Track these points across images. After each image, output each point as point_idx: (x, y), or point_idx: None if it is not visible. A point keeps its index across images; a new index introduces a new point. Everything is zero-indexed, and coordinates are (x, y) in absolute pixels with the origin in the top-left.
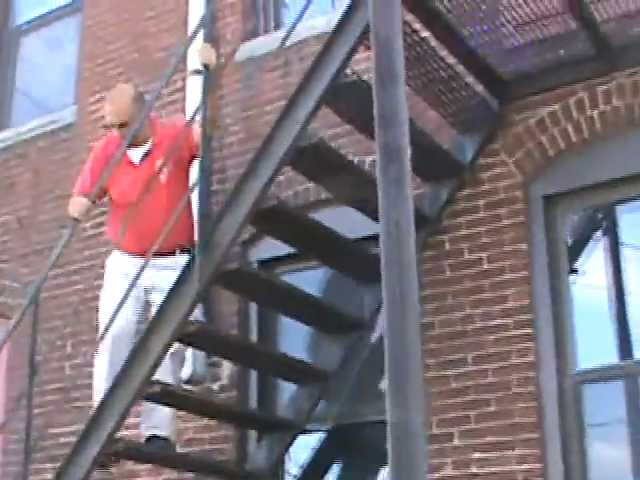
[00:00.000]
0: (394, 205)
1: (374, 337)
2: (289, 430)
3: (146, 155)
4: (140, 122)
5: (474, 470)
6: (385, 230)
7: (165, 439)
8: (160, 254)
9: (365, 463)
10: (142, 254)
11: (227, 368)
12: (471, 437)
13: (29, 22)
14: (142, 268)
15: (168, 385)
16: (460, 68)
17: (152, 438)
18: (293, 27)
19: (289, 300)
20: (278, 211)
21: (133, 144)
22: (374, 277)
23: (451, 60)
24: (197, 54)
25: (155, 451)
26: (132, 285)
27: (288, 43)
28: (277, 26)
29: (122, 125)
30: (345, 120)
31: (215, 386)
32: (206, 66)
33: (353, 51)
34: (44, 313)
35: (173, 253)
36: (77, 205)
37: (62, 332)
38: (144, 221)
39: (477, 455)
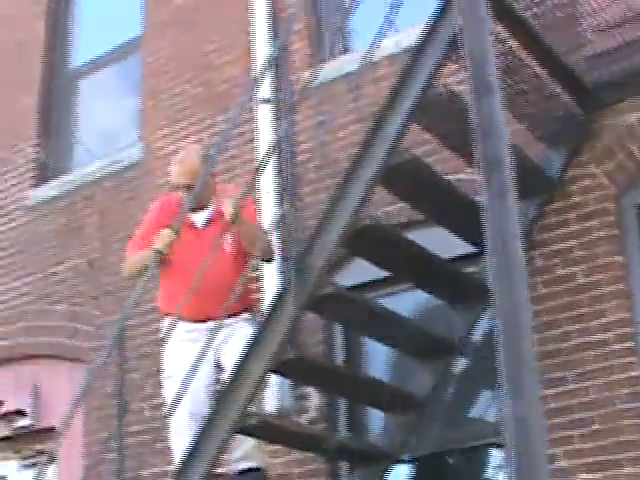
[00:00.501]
0: (498, 217)
1: (462, 363)
2: (383, 461)
3: (210, 220)
4: (201, 185)
5: None
6: (491, 242)
7: (259, 469)
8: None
9: None
10: (202, 320)
11: (315, 400)
12: (577, 457)
13: (88, 63)
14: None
15: (265, 416)
16: (545, 78)
17: (247, 471)
18: (376, 43)
19: (384, 324)
20: (372, 230)
21: (195, 208)
22: (466, 299)
23: (537, 69)
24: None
25: None
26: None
27: (357, 67)
28: (345, 51)
29: (189, 187)
30: (434, 135)
31: (303, 419)
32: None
33: (441, 64)
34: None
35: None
36: (164, 238)
37: (141, 372)
38: (206, 288)
39: (584, 476)
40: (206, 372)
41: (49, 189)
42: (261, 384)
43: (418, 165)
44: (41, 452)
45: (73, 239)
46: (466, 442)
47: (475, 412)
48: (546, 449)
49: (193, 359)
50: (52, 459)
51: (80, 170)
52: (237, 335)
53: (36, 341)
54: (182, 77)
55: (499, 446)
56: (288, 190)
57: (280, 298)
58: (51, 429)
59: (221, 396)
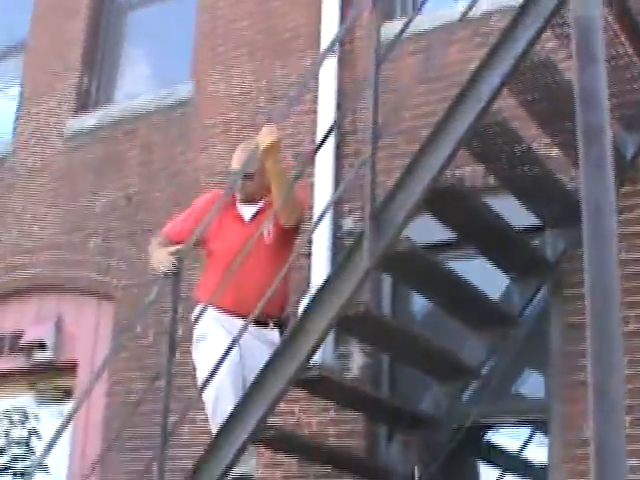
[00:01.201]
0: (595, 187)
1: (519, 335)
2: (426, 427)
3: (257, 213)
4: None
5: None
6: (586, 213)
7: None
8: (255, 321)
9: (499, 466)
10: (237, 314)
11: (358, 360)
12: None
13: None
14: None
15: (326, 369)
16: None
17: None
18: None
19: (449, 287)
20: (454, 192)
21: (246, 201)
22: (527, 272)
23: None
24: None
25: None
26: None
27: (429, 27)
28: (415, 9)
29: (247, 176)
30: (522, 102)
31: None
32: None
33: (541, 31)
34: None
35: (266, 324)
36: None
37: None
38: (243, 281)
39: None
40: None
41: (89, 119)
42: (324, 338)
43: (504, 128)
44: (59, 388)
45: (111, 172)
46: (512, 416)
47: (524, 387)
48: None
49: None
50: (69, 395)
51: (124, 103)
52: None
53: (64, 273)
54: (242, 21)
55: (544, 423)
56: (371, 137)
57: (351, 252)
58: (72, 364)
59: (284, 346)
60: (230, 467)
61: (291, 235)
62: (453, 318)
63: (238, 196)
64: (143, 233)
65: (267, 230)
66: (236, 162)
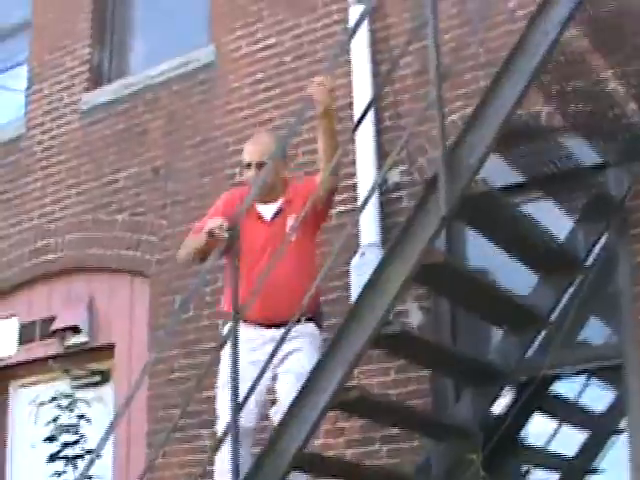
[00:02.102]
0: None
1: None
2: (496, 380)
3: (278, 213)
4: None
5: None
6: None
7: None
8: (283, 324)
9: (565, 417)
10: (264, 323)
11: (416, 316)
12: None
13: None
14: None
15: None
16: None
17: None
18: None
19: (520, 231)
20: (524, 132)
21: (264, 201)
22: (595, 211)
23: None
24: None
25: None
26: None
27: None
28: None
29: (260, 166)
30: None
31: None
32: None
33: None
34: None
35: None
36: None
37: None
38: (269, 285)
39: None
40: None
41: (104, 93)
42: (403, 291)
43: (572, 59)
44: (95, 372)
45: (134, 145)
46: (582, 365)
47: (594, 333)
48: None
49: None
50: (107, 378)
51: (141, 72)
52: (298, 355)
53: (92, 253)
54: None
55: (616, 369)
56: (436, 77)
57: (424, 201)
58: (108, 347)
59: (359, 300)
60: (311, 434)
61: (311, 235)
62: (521, 262)
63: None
64: (173, 205)
65: (291, 229)
66: (249, 153)
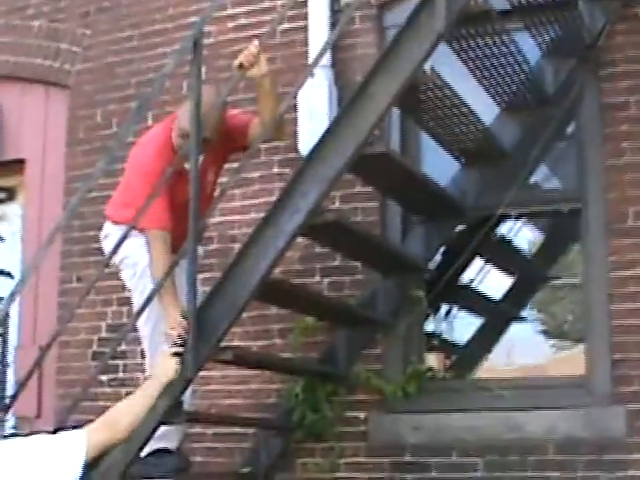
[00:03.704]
0: None
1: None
2: (451, 215)
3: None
4: None
5: None
6: None
7: (170, 451)
8: None
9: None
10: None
11: None
12: None
13: None
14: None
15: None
16: None
17: (157, 452)
18: None
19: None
20: None
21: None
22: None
23: None
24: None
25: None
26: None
27: None
28: None
29: (206, 141)
30: None
31: None
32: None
33: None
34: None
35: None
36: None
37: None
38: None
39: None
40: None
41: None
42: (389, 109)
43: None
44: (2, 188)
45: None
46: (541, 206)
47: (557, 174)
48: None
49: None
50: (13, 195)
51: None
52: None
53: (4, 59)
54: None
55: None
56: None
57: (418, 13)
58: (17, 162)
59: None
60: (276, 261)
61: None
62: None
63: (176, 149)
64: (98, 13)
65: (208, 181)
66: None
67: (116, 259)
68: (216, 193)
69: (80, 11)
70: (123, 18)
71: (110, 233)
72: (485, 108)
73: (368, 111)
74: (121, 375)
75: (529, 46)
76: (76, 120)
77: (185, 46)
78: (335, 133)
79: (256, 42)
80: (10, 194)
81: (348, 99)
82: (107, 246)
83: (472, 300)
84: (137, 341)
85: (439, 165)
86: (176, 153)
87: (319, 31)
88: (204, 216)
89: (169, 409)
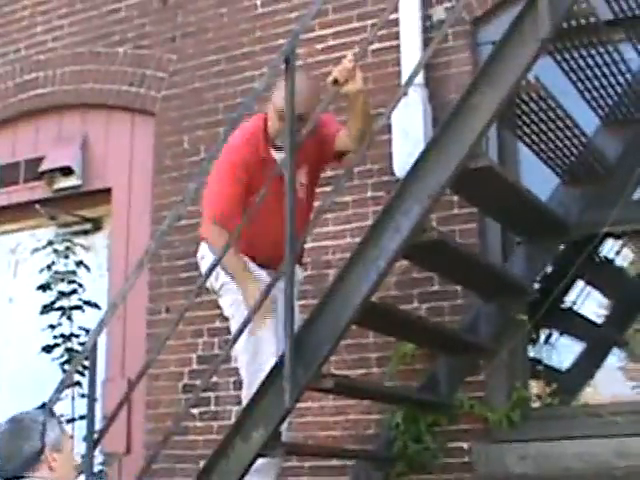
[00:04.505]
0: None
1: None
2: (555, 233)
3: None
4: None
5: None
6: None
7: None
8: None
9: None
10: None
11: None
12: None
13: None
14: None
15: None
16: None
17: None
18: None
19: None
20: None
21: (277, 146)
22: None
23: None
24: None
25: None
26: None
27: None
28: None
29: (301, 118)
30: None
31: None
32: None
33: None
34: None
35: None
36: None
37: None
38: (273, 233)
39: None
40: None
41: None
42: (494, 120)
43: None
44: (86, 219)
45: None
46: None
47: None
48: None
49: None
50: (99, 225)
51: None
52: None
53: (88, 88)
54: None
55: None
56: None
57: (520, 20)
58: (103, 192)
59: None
60: (380, 281)
61: (318, 179)
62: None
63: (272, 135)
64: (184, 37)
65: (300, 183)
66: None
67: (216, 285)
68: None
69: (165, 36)
70: (209, 42)
71: (205, 254)
72: (585, 123)
73: (472, 123)
74: (213, 408)
75: (631, 57)
76: (163, 147)
77: (276, 65)
78: (437, 147)
79: (350, 56)
80: (96, 224)
81: (450, 111)
82: (204, 268)
83: (574, 324)
84: (229, 373)
85: (537, 182)
86: (267, 142)
87: (411, 50)
88: (301, 234)
89: (267, 441)
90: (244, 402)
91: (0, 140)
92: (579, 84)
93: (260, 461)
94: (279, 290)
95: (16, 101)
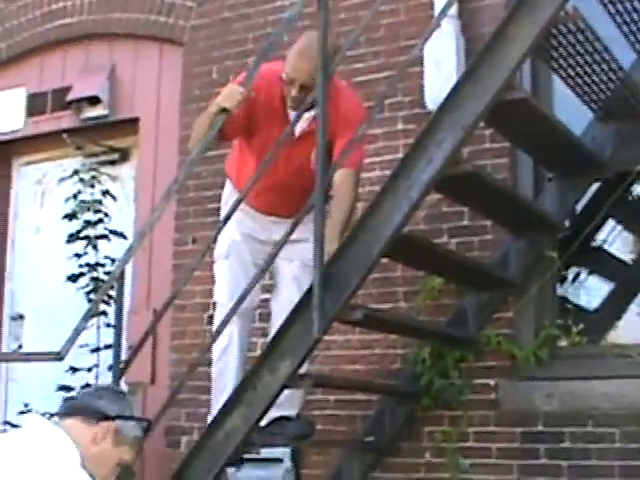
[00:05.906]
0: None
1: None
2: (588, 170)
3: (305, 131)
4: None
5: None
6: None
7: (289, 418)
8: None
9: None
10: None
11: None
12: None
13: None
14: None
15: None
16: None
17: (278, 419)
18: None
19: None
20: None
21: (295, 108)
22: None
23: None
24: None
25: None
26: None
27: None
28: None
29: (303, 87)
30: None
31: None
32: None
33: None
34: None
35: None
36: (232, 94)
37: None
38: (283, 190)
39: None
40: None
41: None
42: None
43: None
44: (113, 149)
45: None
46: None
47: None
48: None
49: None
50: (126, 156)
51: None
52: (304, 245)
53: (116, 17)
54: None
55: None
56: None
57: None
58: (130, 121)
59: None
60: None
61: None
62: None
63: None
64: None
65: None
66: (294, 71)
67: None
68: None
69: None
70: None
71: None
72: (622, 58)
73: (508, 54)
74: None
75: None
76: (191, 77)
77: None
78: (472, 78)
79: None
80: (123, 155)
81: (486, 42)
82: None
83: (604, 263)
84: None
85: (570, 117)
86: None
87: None
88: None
89: (292, 372)
90: (270, 335)
91: (27, 70)
92: (617, 17)
93: (282, 395)
94: (283, 260)
95: (43, 30)
